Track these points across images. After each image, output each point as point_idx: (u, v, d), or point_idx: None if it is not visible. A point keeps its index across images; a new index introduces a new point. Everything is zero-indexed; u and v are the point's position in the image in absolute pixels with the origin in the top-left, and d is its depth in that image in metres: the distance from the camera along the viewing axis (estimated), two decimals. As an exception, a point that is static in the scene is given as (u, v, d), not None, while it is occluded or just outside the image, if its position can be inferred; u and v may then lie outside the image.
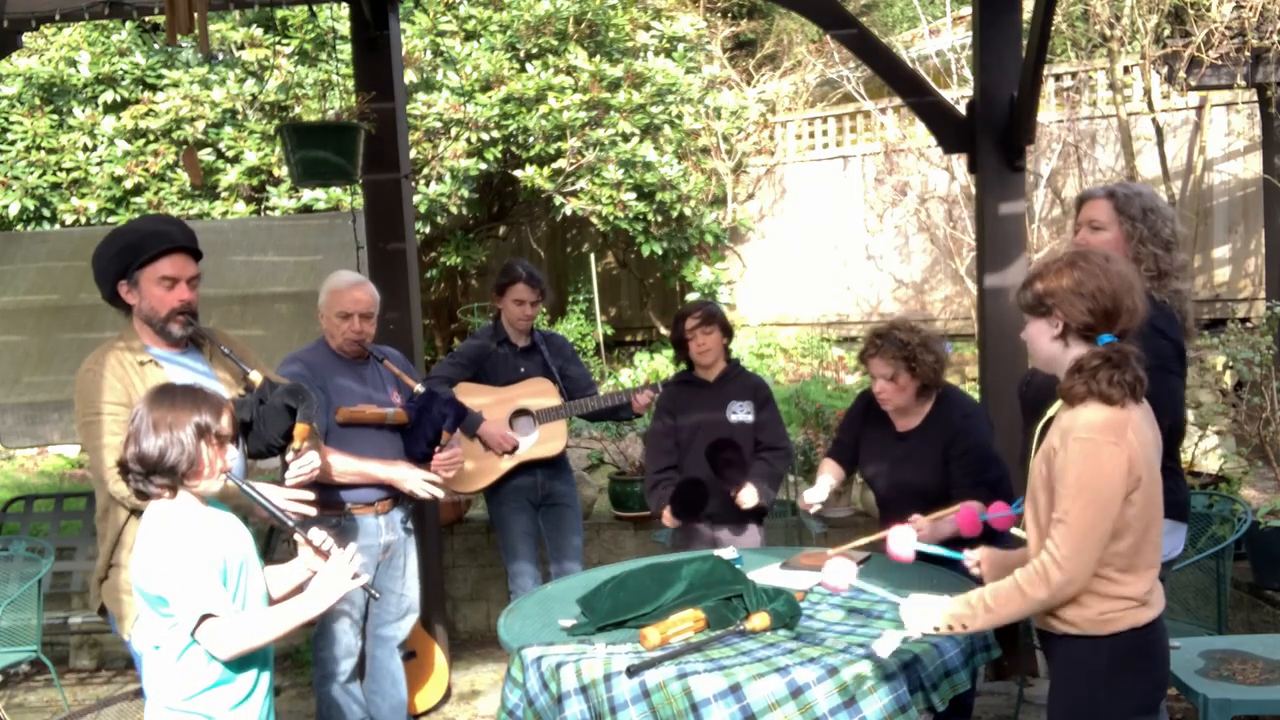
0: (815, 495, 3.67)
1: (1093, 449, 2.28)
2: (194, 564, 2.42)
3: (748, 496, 4.07)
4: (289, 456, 3.17)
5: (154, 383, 2.82)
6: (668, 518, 4.21)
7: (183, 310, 3.07)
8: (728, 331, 4.28)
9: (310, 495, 3.08)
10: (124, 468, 2.49)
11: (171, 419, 2.45)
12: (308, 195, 8.35)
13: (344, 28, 5.41)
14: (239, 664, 2.50)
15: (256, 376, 3.13)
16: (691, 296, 9.75)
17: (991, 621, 2.39)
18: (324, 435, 3.66)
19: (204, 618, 2.39)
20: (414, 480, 3.84)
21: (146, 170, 8.64)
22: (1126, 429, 2.30)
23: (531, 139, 8.76)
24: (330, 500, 3.77)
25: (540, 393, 4.70)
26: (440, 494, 3.93)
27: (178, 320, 3.07)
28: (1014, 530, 2.65)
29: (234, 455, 2.62)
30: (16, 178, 8.64)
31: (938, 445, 3.59)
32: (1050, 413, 2.45)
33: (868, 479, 3.89)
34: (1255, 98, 7.12)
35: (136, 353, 3.05)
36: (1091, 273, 2.39)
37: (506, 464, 4.64)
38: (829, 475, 3.81)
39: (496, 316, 4.80)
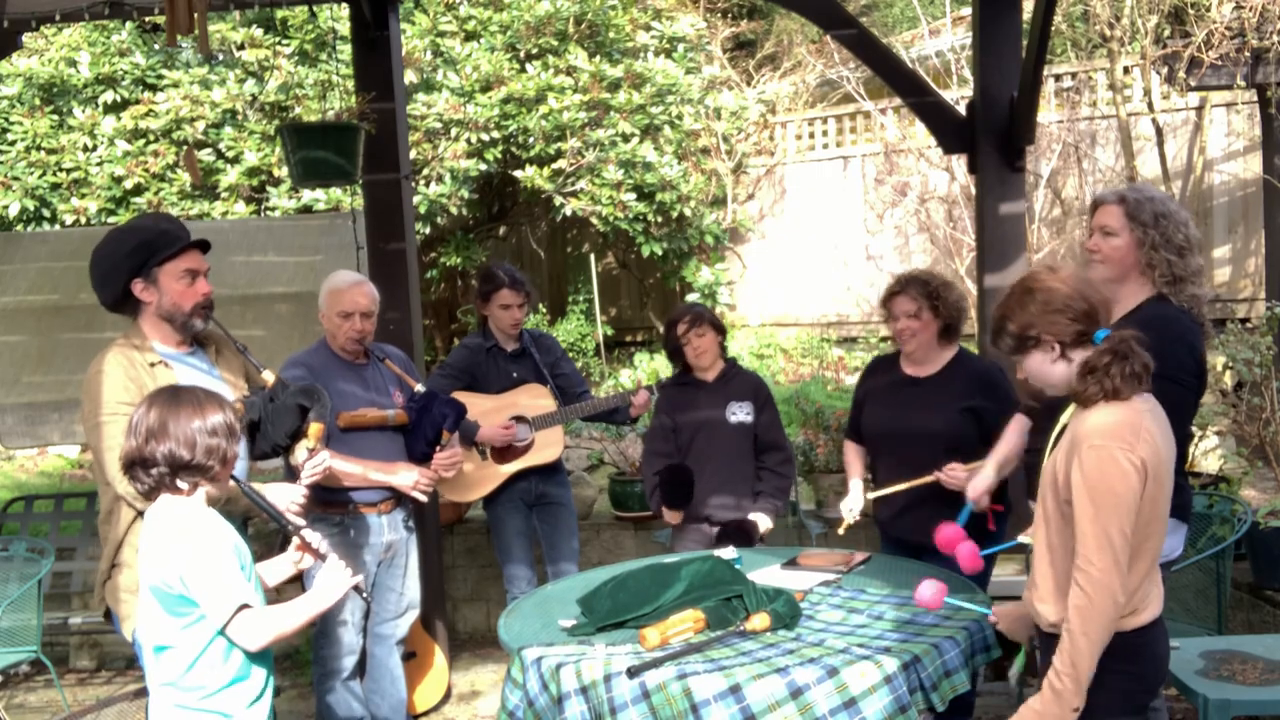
0: (851, 504, 3.66)
1: (1106, 456, 2.25)
2: (222, 558, 2.44)
3: (761, 523, 4.09)
4: (302, 457, 3.18)
5: (165, 384, 2.83)
6: (670, 516, 4.22)
7: (206, 304, 3.12)
8: (720, 330, 4.27)
9: (300, 520, 3.10)
10: (145, 464, 2.47)
11: (204, 415, 2.48)
12: (308, 195, 8.35)
13: (344, 28, 5.42)
14: (252, 662, 2.52)
15: (269, 376, 3.16)
16: (692, 297, 9.75)
17: (1082, 684, 2.28)
18: (326, 439, 3.67)
19: (240, 609, 2.41)
20: (409, 478, 3.86)
21: (146, 170, 8.64)
22: (1140, 431, 2.28)
23: (531, 139, 8.76)
24: (335, 500, 3.79)
25: (535, 398, 4.69)
26: (430, 488, 3.96)
27: (200, 314, 3.11)
28: (1021, 538, 2.64)
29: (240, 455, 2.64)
30: (16, 178, 8.64)
31: (958, 393, 3.58)
32: (1064, 419, 2.44)
33: (871, 424, 3.84)
34: (1255, 98, 7.12)
35: (146, 353, 3.05)
36: (1049, 287, 2.39)
37: (507, 469, 4.64)
38: (858, 478, 3.80)
39: (483, 322, 4.76)
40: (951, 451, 3.48)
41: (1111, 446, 2.25)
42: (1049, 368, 2.42)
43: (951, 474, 3.39)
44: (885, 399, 3.75)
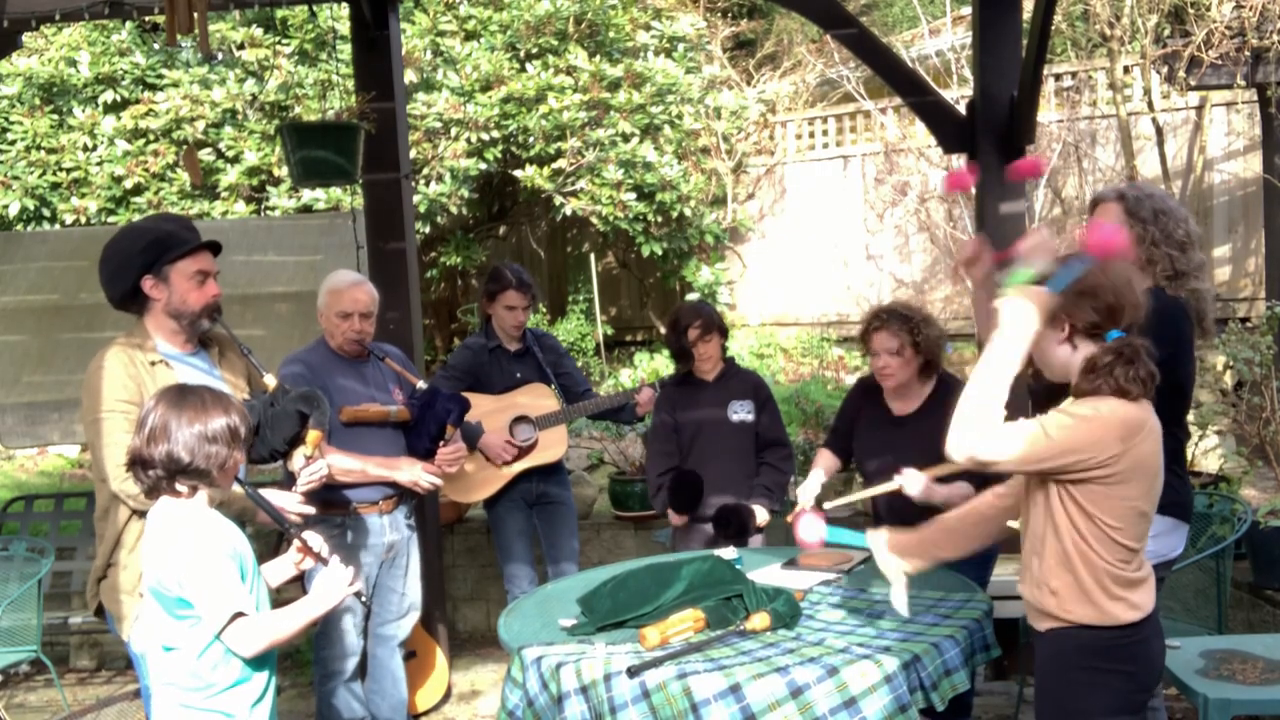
0: (807, 491, 3.61)
1: (1105, 409, 2.27)
2: (219, 563, 2.43)
3: (759, 515, 4.09)
4: (299, 464, 3.18)
5: (164, 383, 2.83)
6: (676, 519, 4.24)
7: (214, 306, 3.14)
8: (725, 333, 4.30)
9: (311, 510, 3.12)
10: (144, 464, 2.46)
11: (206, 419, 2.46)
12: (308, 195, 8.34)
13: (344, 28, 5.41)
14: (255, 663, 2.51)
15: (271, 380, 3.16)
16: (691, 296, 9.74)
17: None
18: (327, 436, 3.67)
19: (235, 616, 2.40)
20: (412, 473, 3.85)
21: (146, 170, 8.64)
22: (1141, 431, 2.29)
23: (531, 139, 8.75)
24: (335, 500, 3.78)
25: (538, 398, 4.69)
26: (439, 481, 3.96)
27: (208, 315, 3.13)
28: (1010, 523, 2.65)
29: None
30: (16, 178, 8.63)
31: (936, 432, 3.56)
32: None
33: (861, 464, 3.85)
34: (1255, 97, 7.12)
35: (148, 352, 3.05)
36: (1089, 271, 2.37)
37: (511, 470, 4.63)
38: (821, 470, 3.77)
39: (486, 321, 4.77)
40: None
41: (1115, 426, 2.26)
42: (1054, 347, 2.41)
43: (909, 478, 3.36)
44: (871, 437, 3.73)
